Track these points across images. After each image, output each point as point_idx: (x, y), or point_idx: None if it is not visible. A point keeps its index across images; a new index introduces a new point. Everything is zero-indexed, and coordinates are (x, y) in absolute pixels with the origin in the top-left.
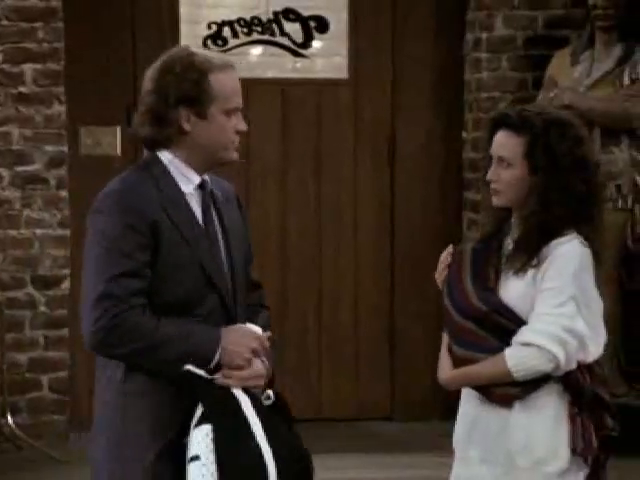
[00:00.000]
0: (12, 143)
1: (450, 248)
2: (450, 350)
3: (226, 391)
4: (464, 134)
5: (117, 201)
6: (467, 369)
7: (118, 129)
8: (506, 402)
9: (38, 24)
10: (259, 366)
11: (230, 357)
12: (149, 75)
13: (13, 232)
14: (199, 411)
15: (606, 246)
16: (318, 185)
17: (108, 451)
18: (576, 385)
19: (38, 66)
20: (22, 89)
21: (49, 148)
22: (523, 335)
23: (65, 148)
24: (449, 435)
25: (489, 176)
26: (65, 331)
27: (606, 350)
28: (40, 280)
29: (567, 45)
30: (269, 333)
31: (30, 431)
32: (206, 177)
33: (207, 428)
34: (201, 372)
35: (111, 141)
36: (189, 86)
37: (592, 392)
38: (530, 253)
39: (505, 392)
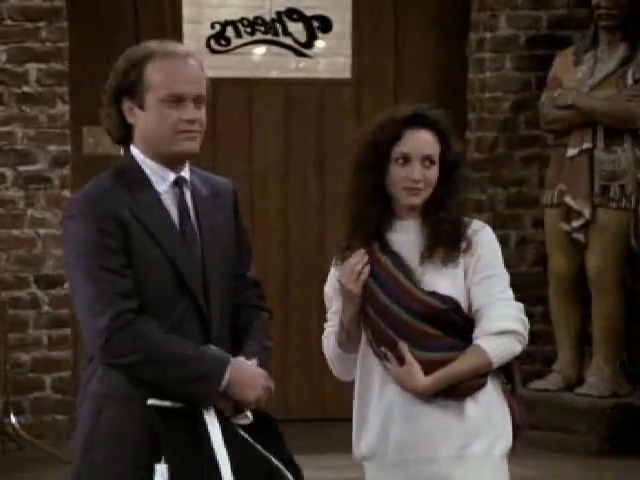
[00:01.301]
0: (16, 143)
1: (362, 252)
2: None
3: (194, 420)
4: (468, 134)
5: (87, 205)
6: (448, 369)
7: None
8: (467, 395)
9: (42, 24)
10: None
11: (242, 395)
12: None
13: (16, 232)
14: (162, 449)
15: (609, 246)
16: (320, 184)
17: (81, 451)
18: (509, 364)
19: (42, 66)
20: (26, 89)
21: (52, 148)
22: (494, 324)
23: (68, 148)
24: None
25: (414, 175)
26: (68, 331)
27: (609, 350)
28: (43, 280)
29: (570, 45)
30: (254, 361)
31: (33, 431)
32: (184, 174)
33: (163, 468)
34: (167, 403)
35: None
36: (127, 77)
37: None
38: (453, 244)
39: (473, 383)
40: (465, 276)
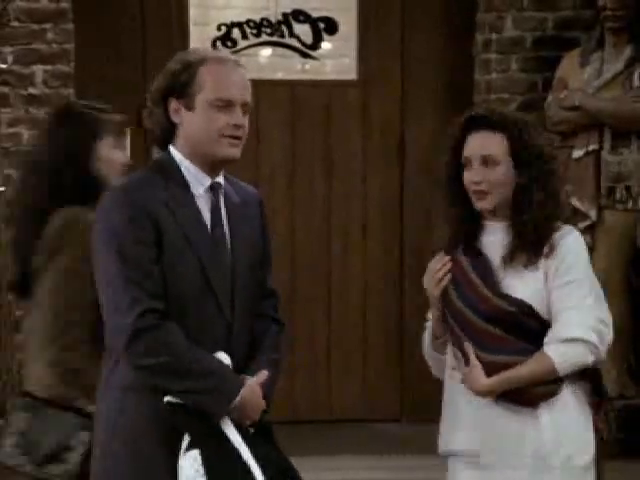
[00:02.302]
0: (22, 144)
1: (444, 257)
2: (477, 357)
3: (210, 421)
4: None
5: (121, 197)
6: (508, 373)
7: (127, 131)
8: (538, 402)
9: (48, 25)
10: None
11: (243, 416)
12: None
13: None
14: (185, 441)
15: (615, 247)
16: (327, 186)
17: (101, 444)
18: (594, 373)
19: (48, 67)
20: (32, 90)
21: None
22: (564, 331)
23: None
24: None
25: (475, 178)
26: None
27: (615, 351)
28: None
29: (577, 46)
30: (265, 373)
31: None
32: (220, 180)
33: (194, 453)
34: (181, 401)
35: None
36: (178, 78)
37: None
38: (536, 248)
39: (544, 391)
40: (545, 280)
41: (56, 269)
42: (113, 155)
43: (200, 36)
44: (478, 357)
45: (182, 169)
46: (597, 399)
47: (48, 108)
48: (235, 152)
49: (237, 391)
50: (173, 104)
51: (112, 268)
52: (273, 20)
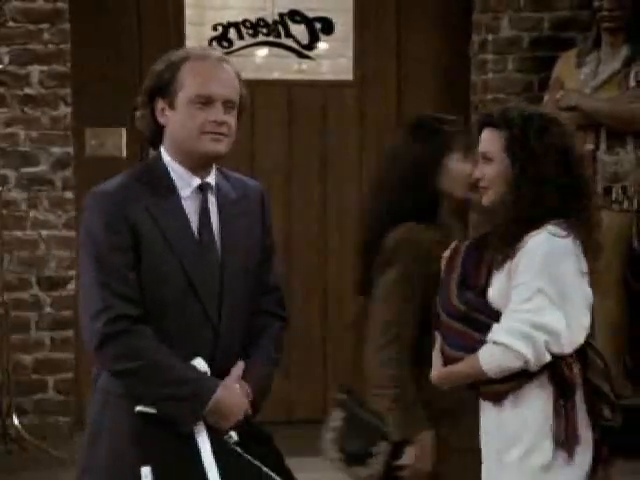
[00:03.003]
0: (18, 144)
1: (454, 244)
2: (442, 351)
3: (180, 433)
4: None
5: (99, 200)
6: (450, 368)
7: (124, 130)
8: (497, 399)
9: (44, 26)
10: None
11: (220, 420)
12: None
13: (19, 233)
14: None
15: (611, 247)
16: (323, 186)
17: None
18: (561, 378)
19: (44, 67)
20: (28, 90)
21: (55, 149)
22: (493, 333)
23: (71, 149)
24: None
25: (475, 174)
26: (71, 332)
27: (612, 352)
28: (46, 281)
29: (573, 47)
30: (241, 365)
31: (35, 432)
32: (210, 179)
33: (146, 470)
34: (153, 410)
35: (116, 142)
36: (162, 77)
37: (588, 384)
38: (503, 247)
39: (496, 389)
40: (508, 280)
41: (384, 282)
42: (461, 169)
43: (196, 36)
44: (443, 350)
45: (170, 171)
46: (560, 404)
47: (44, 108)
48: (218, 147)
49: (210, 395)
50: (159, 104)
51: (88, 272)
52: (269, 20)
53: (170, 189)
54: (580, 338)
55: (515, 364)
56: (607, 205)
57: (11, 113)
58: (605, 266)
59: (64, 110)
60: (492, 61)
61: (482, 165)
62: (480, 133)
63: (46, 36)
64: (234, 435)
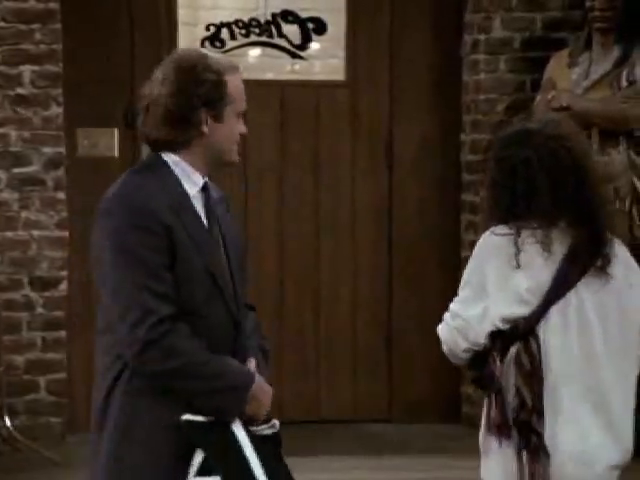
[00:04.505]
0: (10, 145)
1: None
2: None
3: (226, 433)
4: (462, 136)
5: (128, 202)
6: None
7: (116, 131)
8: (477, 386)
9: (36, 26)
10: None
11: (259, 408)
12: (162, 76)
13: (10, 234)
14: (198, 458)
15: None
16: (316, 187)
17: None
18: (486, 369)
19: (36, 68)
20: (20, 91)
21: (47, 150)
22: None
23: (63, 150)
24: (447, 437)
25: None
26: (63, 333)
27: None
28: (38, 282)
29: (565, 47)
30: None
31: (27, 433)
32: (206, 179)
33: (198, 459)
34: (200, 418)
35: (108, 143)
36: (210, 88)
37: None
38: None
39: (471, 377)
40: None
41: None
42: None
43: (189, 36)
44: None
45: (176, 171)
46: (485, 392)
47: (36, 108)
48: (238, 158)
49: (250, 384)
50: (203, 114)
51: (123, 278)
52: (262, 20)
53: (180, 189)
54: (491, 328)
55: (443, 347)
56: None
57: (3, 113)
58: None
59: (56, 110)
60: (484, 61)
61: None
62: None
63: (38, 36)
64: (277, 424)
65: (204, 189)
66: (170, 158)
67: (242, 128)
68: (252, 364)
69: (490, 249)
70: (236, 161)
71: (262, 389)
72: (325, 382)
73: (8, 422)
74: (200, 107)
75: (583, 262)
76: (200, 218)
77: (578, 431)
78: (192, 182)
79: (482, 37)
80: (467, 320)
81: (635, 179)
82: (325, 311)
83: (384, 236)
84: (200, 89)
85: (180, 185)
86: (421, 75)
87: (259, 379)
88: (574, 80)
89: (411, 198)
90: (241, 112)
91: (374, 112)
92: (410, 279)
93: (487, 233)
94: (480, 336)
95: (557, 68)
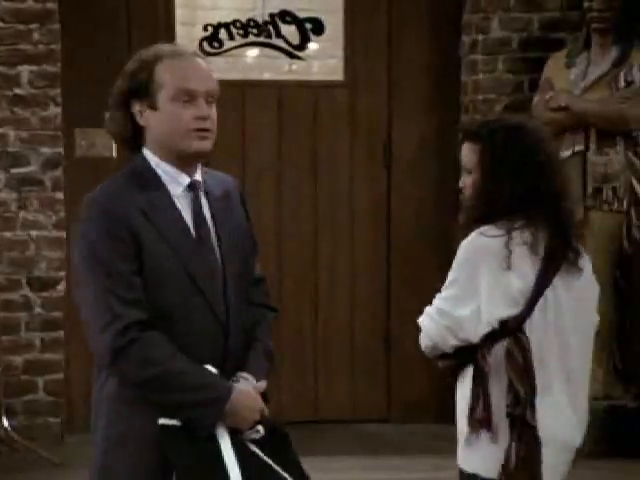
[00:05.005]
0: (8, 145)
1: None
2: None
3: (205, 438)
4: (460, 136)
5: (97, 207)
6: None
7: None
8: (450, 375)
9: (34, 26)
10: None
11: (238, 421)
12: None
13: (9, 234)
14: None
15: (601, 248)
16: (314, 187)
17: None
18: (476, 365)
19: (34, 68)
20: (18, 91)
21: (45, 150)
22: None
23: (61, 150)
24: (445, 437)
25: (460, 184)
26: (61, 333)
27: (601, 352)
28: (36, 282)
29: (563, 47)
30: (264, 384)
31: (25, 433)
32: (198, 177)
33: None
34: (174, 422)
35: (106, 143)
36: (136, 78)
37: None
38: (459, 243)
39: (444, 365)
40: None
41: None
42: None
43: (187, 37)
44: None
45: (158, 172)
46: (473, 386)
47: (34, 109)
48: (206, 145)
49: (226, 399)
50: (136, 106)
51: (92, 283)
52: (260, 21)
53: (161, 189)
54: (487, 329)
55: (426, 342)
56: (597, 206)
57: (1, 113)
58: (595, 267)
59: (54, 110)
60: (482, 61)
61: (464, 176)
62: (461, 147)
63: (36, 36)
64: (261, 429)
65: (192, 187)
66: (152, 159)
67: (196, 111)
68: (262, 384)
69: (481, 251)
70: (196, 149)
71: (242, 402)
72: (323, 382)
73: (6, 422)
74: (131, 99)
75: (557, 258)
76: (181, 219)
77: (562, 421)
78: (176, 182)
79: (480, 37)
80: (458, 319)
81: (633, 179)
82: (323, 311)
83: (382, 236)
84: (129, 82)
85: (162, 186)
86: (419, 75)
87: (239, 393)
88: (572, 80)
89: (409, 198)
90: (183, 95)
91: (372, 112)
92: (408, 279)
93: (475, 234)
94: (474, 336)
95: (555, 68)
